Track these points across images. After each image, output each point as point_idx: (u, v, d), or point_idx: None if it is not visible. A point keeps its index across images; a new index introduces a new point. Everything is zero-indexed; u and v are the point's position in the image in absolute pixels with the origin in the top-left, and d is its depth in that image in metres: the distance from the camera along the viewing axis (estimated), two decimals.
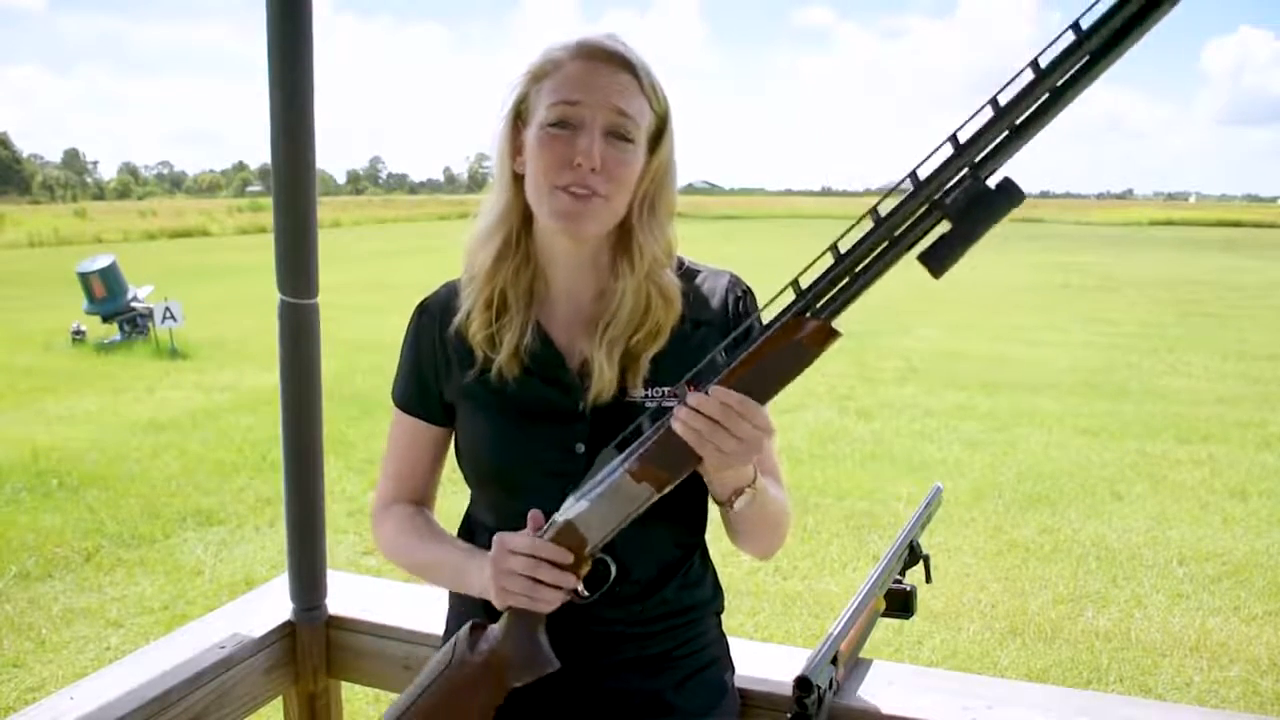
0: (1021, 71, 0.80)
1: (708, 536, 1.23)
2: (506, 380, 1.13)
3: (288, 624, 1.59)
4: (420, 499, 1.27)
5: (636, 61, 1.08)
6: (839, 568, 4.55)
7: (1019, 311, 13.04)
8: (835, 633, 1.24)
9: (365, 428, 6.65)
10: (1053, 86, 0.80)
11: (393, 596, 1.66)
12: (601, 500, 1.01)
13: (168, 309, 9.60)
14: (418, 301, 1.24)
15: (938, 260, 0.85)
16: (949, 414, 7.39)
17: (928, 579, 1.40)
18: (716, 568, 1.26)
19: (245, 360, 9.29)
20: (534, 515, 1.05)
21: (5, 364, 9.27)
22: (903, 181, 0.86)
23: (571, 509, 1.03)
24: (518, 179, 1.12)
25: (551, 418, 1.13)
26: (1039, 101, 0.80)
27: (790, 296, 0.93)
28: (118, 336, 10.39)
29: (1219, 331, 11.53)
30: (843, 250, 0.89)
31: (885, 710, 1.28)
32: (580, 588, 1.04)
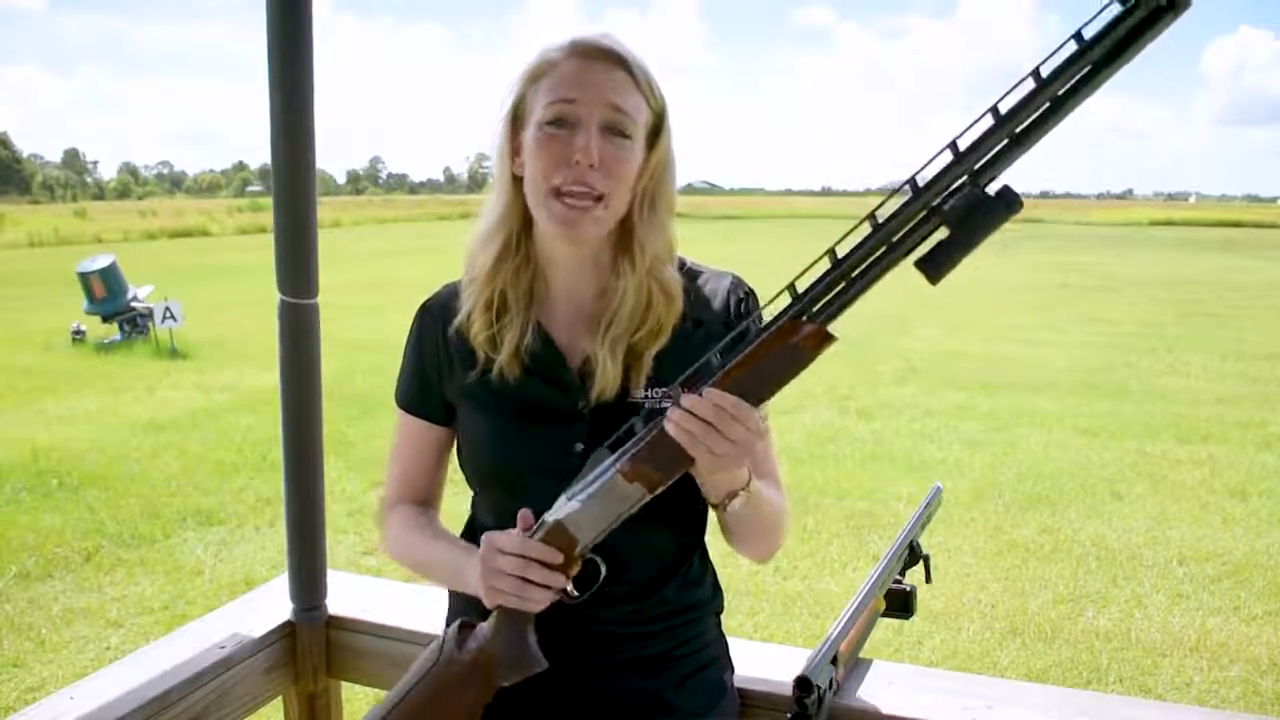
0: (1023, 80, 0.80)
1: (707, 537, 1.23)
2: (507, 381, 1.14)
3: (288, 624, 1.59)
4: (425, 499, 1.27)
5: (631, 58, 1.08)
6: (839, 568, 4.55)
7: (1019, 311, 13.04)
8: (835, 633, 1.24)
9: (365, 428, 6.65)
10: (1054, 96, 0.80)
11: (393, 596, 1.66)
12: (593, 500, 1.01)
13: (168, 309, 9.60)
14: (419, 302, 1.25)
15: (935, 267, 0.85)
16: (949, 414, 7.39)
17: (928, 579, 1.40)
18: (716, 568, 1.26)
19: (245, 360, 9.29)
20: (523, 515, 1.05)
21: (5, 364, 9.27)
22: (902, 187, 0.86)
23: (562, 509, 1.03)
24: (517, 180, 1.13)
25: (551, 418, 1.13)
26: (1039, 110, 0.80)
27: (786, 300, 0.93)
28: (118, 336, 10.39)
29: (1218, 331, 11.53)
30: (840, 255, 0.89)
31: (885, 710, 1.28)
32: (570, 588, 1.05)
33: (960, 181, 0.84)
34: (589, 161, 1.05)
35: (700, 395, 0.94)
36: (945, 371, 8.97)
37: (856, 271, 0.89)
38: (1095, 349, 10.27)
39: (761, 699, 1.30)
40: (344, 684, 1.69)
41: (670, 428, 0.96)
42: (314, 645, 1.60)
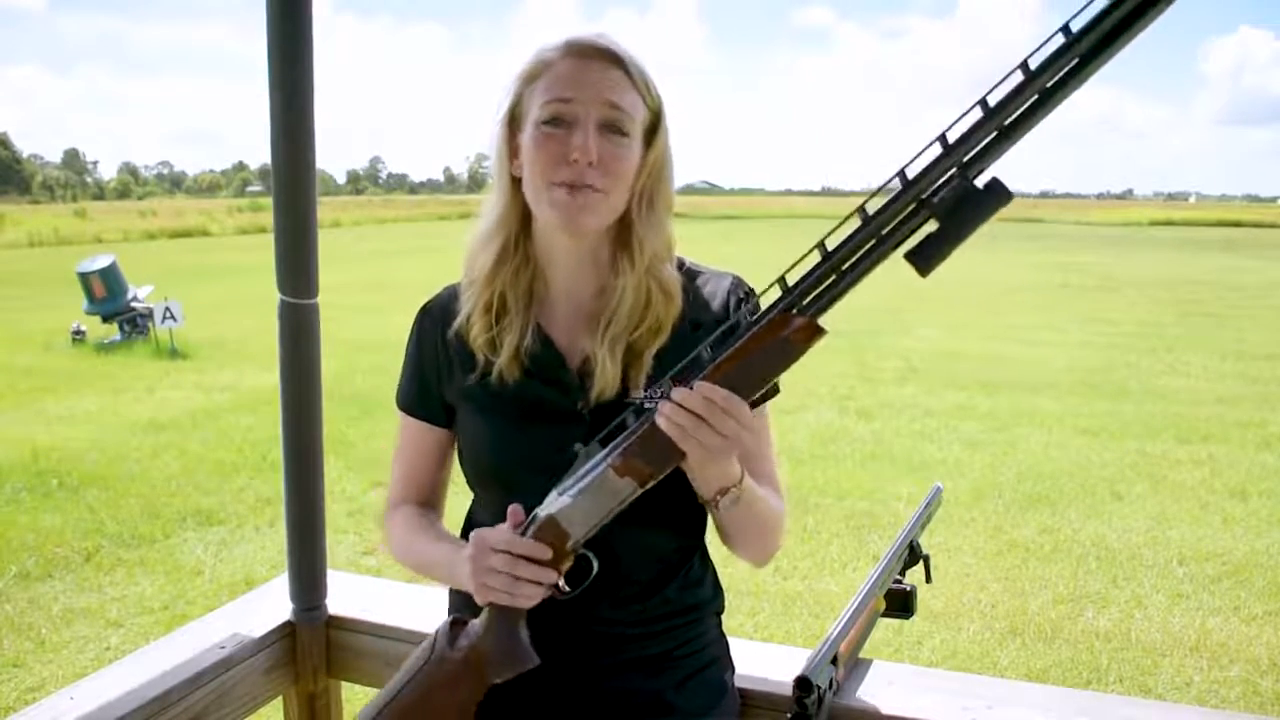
0: (1011, 73, 0.80)
1: (707, 537, 1.23)
2: (507, 383, 1.14)
3: (288, 624, 1.59)
4: (427, 500, 1.28)
5: (626, 57, 1.08)
6: (839, 568, 4.55)
7: (1019, 311, 13.04)
8: (835, 633, 1.24)
9: (365, 428, 6.66)
10: (1042, 88, 0.80)
11: (393, 596, 1.66)
12: (584, 495, 1.01)
13: (168, 309, 9.60)
14: (419, 302, 1.25)
15: (924, 259, 0.85)
16: (949, 414, 7.39)
17: (928, 579, 1.40)
18: (716, 568, 1.26)
19: (245, 360, 9.28)
20: (514, 511, 1.05)
21: (5, 364, 9.27)
22: (891, 180, 0.86)
23: (553, 504, 1.03)
24: (515, 182, 1.13)
25: (550, 418, 1.13)
26: (1028, 103, 0.80)
27: (777, 293, 0.93)
28: (118, 336, 10.39)
29: (1218, 331, 11.53)
30: (830, 248, 0.90)
31: (885, 710, 1.28)
32: (561, 583, 1.04)
33: (949, 174, 0.84)
34: (587, 159, 1.05)
35: (691, 388, 0.94)
36: (945, 371, 8.97)
37: (847, 265, 0.89)
38: (1095, 349, 10.27)
39: (762, 699, 1.30)
40: (344, 684, 1.69)
41: (661, 421, 0.96)
42: (314, 645, 1.60)
